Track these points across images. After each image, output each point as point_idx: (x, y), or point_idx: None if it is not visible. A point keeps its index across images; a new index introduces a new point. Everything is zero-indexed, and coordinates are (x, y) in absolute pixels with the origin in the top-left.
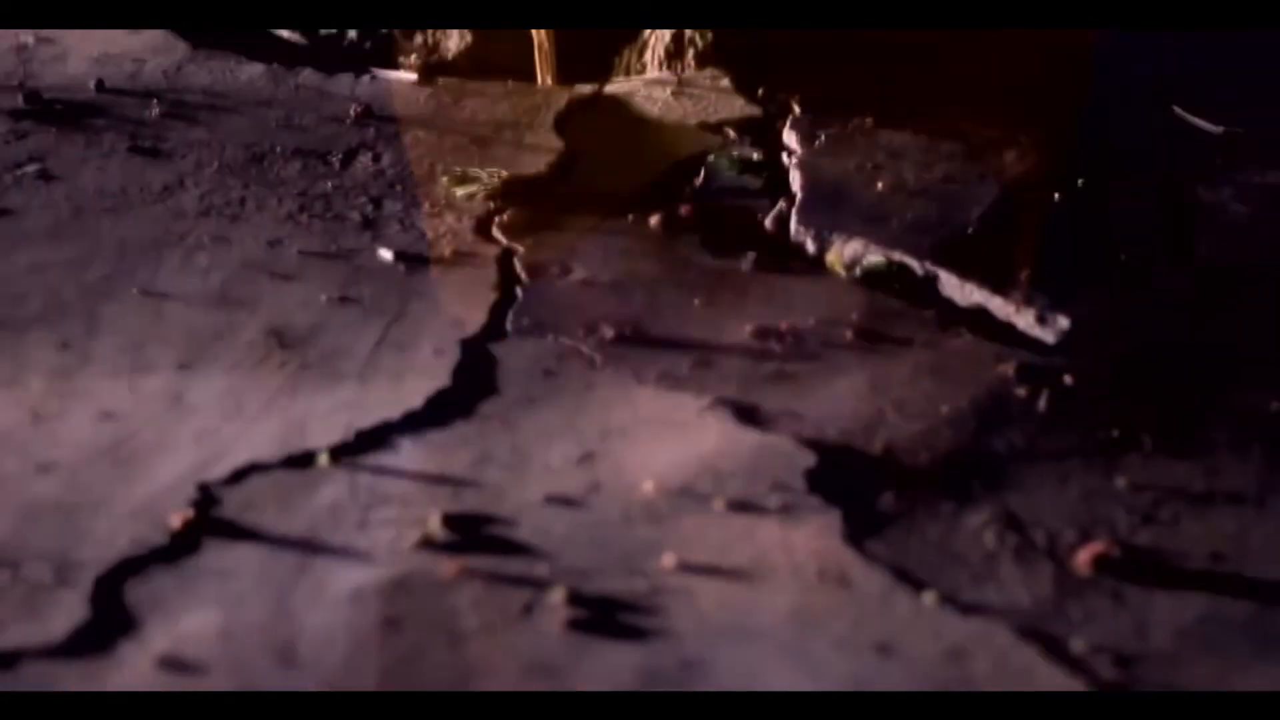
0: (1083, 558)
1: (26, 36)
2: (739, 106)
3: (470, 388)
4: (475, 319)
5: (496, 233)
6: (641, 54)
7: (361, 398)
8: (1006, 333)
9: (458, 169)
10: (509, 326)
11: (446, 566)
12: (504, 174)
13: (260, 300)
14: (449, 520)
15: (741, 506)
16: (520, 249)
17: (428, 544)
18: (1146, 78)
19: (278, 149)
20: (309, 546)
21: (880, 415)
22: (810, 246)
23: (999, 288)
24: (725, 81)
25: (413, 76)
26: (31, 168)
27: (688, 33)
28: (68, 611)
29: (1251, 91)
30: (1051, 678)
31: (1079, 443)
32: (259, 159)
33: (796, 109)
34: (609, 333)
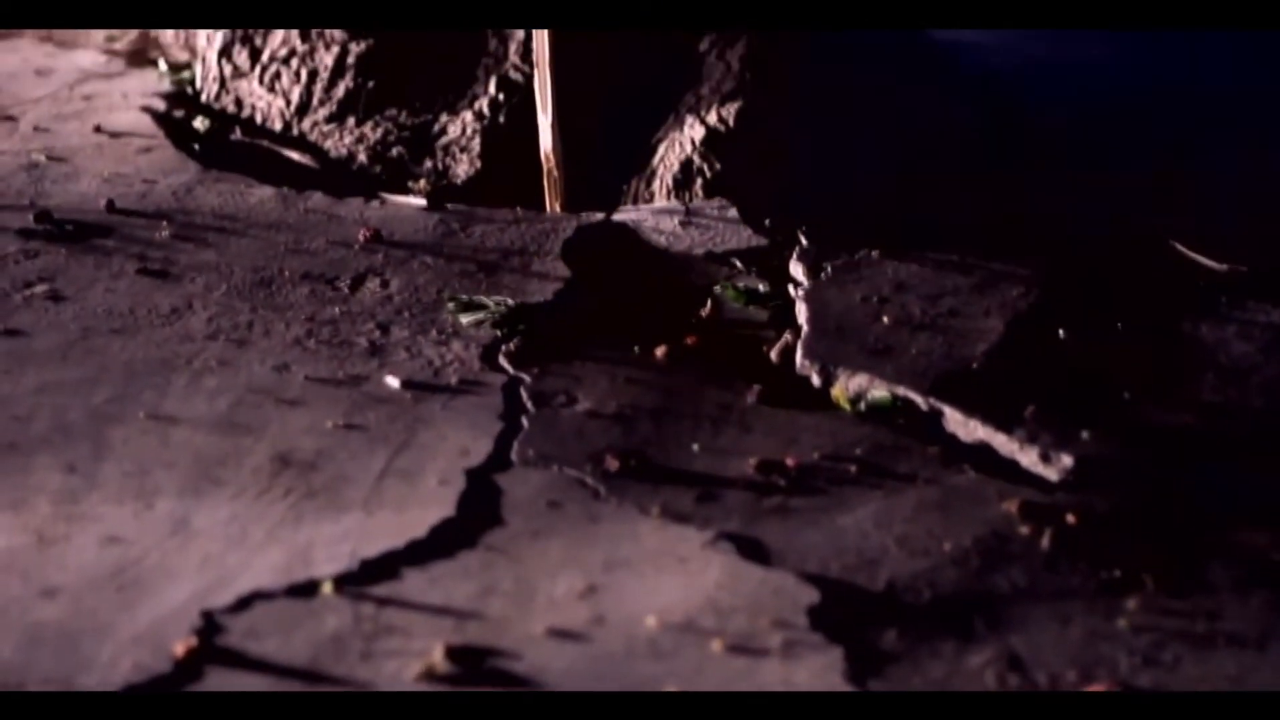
0: None
1: (38, 155)
2: (746, 236)
3: (475, 518)
4: (481, 448)
5: (503, 361)
6: (650, 183)
7: (366, 527)
8: (1010, 469)
9: (465, 296)
10: (514, 456)
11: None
12: (511, 302)
13: (266, 426)
14: (452, 652)
15: (743, 644)
16: (526, 378)
17: (430, 676)
18: (1146, 212)
19: (286, 273)
20: (312, 676)
21: (883, 551)
22: (815, 380)
23: (1003, 424)
24: (732, 211)
25: (421, 202)
26: (41, 288)
27: (696, 161)
28: None
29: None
30: None
31: (1081, 582)
32: (267, 282)
33: (803, 239)
34: (614, 464)
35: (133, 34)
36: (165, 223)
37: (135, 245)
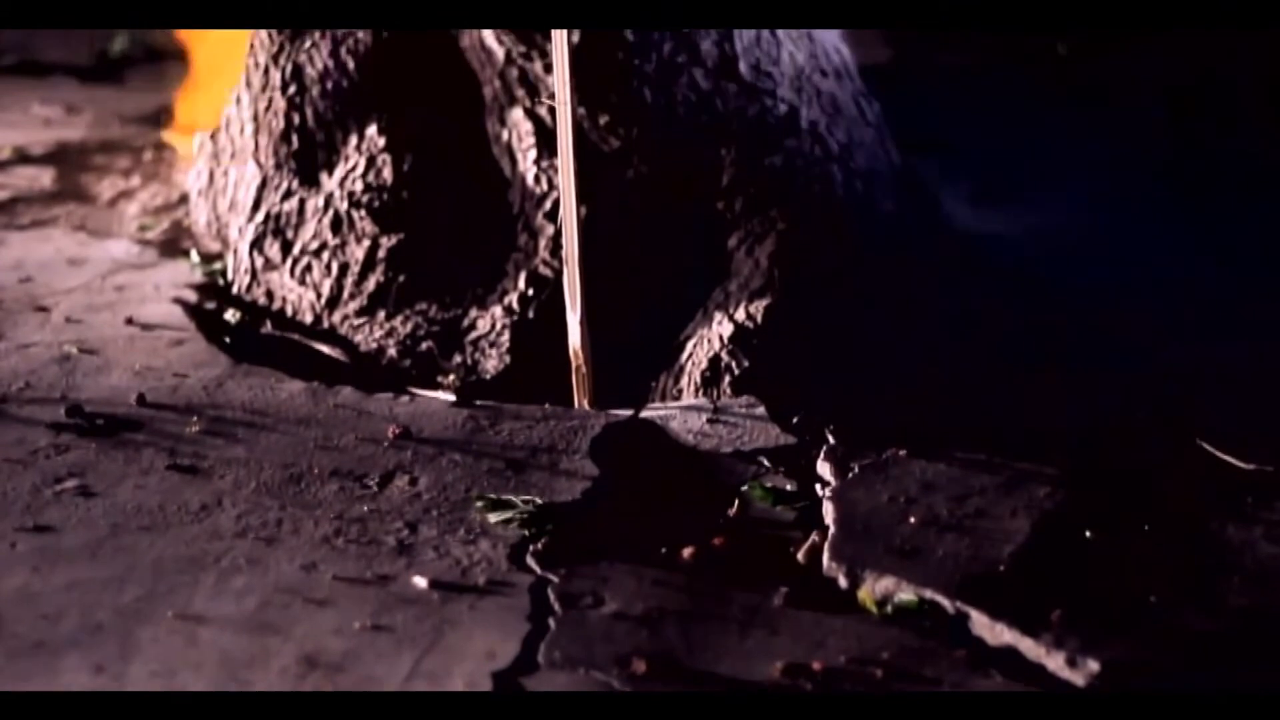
0: None
1: (70, 347)
2: (774, 435)
3: None
4: (508, 650)
5: (530, 561)
6: (678, 379)
7: None
8: (1037, 673)
9: (493, 494)
10: (541, 659)
11: None
12: (539, 501)
13: (294, 626)
14: None
15: None
16: (554, 578)
17: None
18: (1172, 406)
19: (315, 469)
20: None
21: None
22: (843, 582)
23: (1029, 628)
24: (760, 409)
25: (451, 397)
26: (71, 483)
27: (724, 358)
28: None
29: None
30: None
31: None
32: (296, 479)
33: (830, 438)
34: (640, 667)
35: (165, 223)
36: (196, 417)
37: (165, 440)
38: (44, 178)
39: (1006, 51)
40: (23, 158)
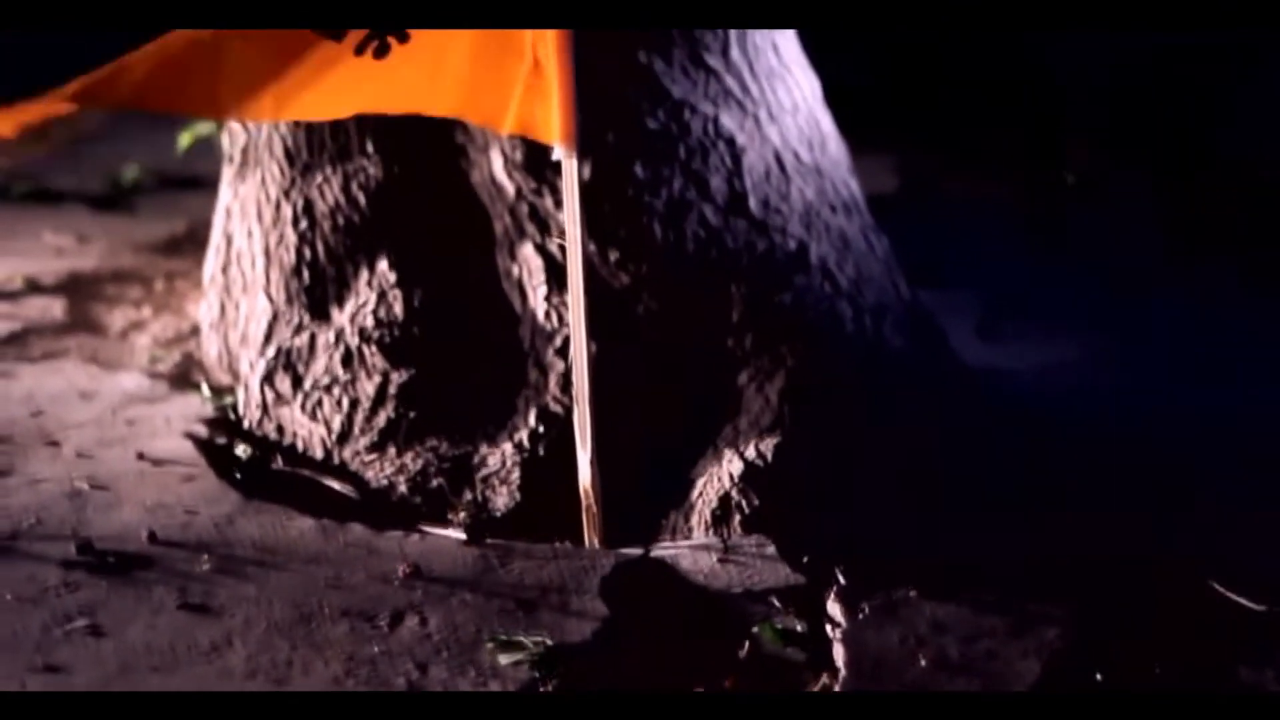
0: None
1: (81, 483)
2: (784, 574)
3: None
4: None
5: None
6: (688, 517)
7: None
8: None
9: (504, 635)
10: None
11: None
12: (549, 642)
13: None
14: None
15: None
16: None
17: None
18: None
19: (326, 608)
20: None
21: None
22: None
23: None
24: (770, 549)
25: (461, 535)
26: (82, 622)
27: (734, 496)
28: None
29: None
30: None
31: None
32: (307, 618)
33: (840, 578)
34: None
35: (176, 356)
36: (206, 555)
37: (176, 578)
38: (55, 308)
39: (1014, 179)
40: (34, 288)
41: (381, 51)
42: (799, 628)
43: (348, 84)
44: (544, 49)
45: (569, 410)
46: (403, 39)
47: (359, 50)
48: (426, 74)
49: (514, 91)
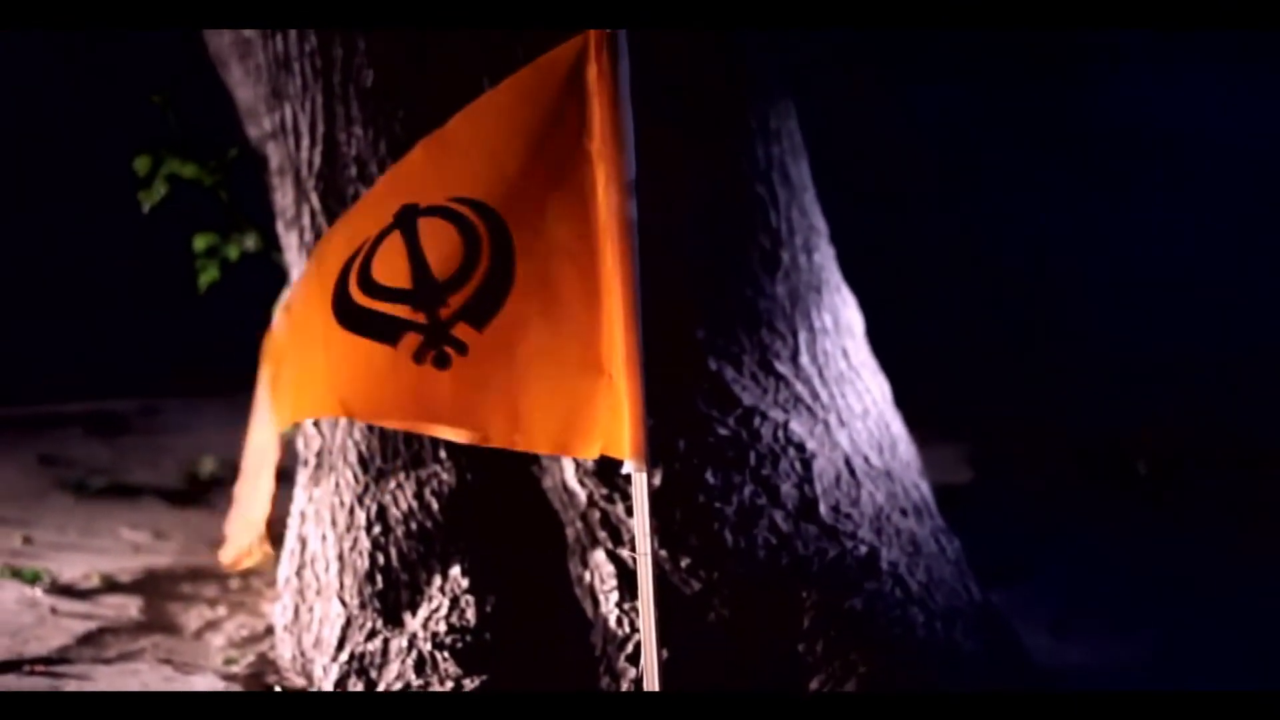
0: None
1: None
2: None
3: None
4: None
5: None
6: None
7: None
8: None
9: None
10: None
11: None
12: None
13: None
14: None
15: None
16: None
17: None
18: None
19: None
20: None
21: None
22: None
23: None
24: None
25: None
26: None
27: None
28: None
29: None
30: None
31: None
32: None
33: None
34: None
35: (250, 656)
36: None
37: None
38: (131, 607)
39: (1086, 470)
40: (111, 585)
41: (441, 362)
42: None
43: (412, 393)
44: (615, 364)
45: None
46: (461, 350)
47: (417, 358)
48: (500, 402)
49: (597, 415)
